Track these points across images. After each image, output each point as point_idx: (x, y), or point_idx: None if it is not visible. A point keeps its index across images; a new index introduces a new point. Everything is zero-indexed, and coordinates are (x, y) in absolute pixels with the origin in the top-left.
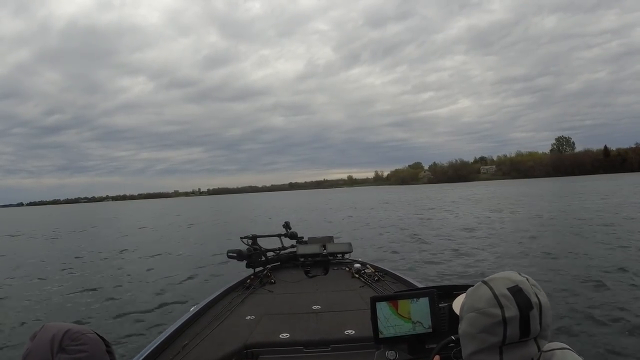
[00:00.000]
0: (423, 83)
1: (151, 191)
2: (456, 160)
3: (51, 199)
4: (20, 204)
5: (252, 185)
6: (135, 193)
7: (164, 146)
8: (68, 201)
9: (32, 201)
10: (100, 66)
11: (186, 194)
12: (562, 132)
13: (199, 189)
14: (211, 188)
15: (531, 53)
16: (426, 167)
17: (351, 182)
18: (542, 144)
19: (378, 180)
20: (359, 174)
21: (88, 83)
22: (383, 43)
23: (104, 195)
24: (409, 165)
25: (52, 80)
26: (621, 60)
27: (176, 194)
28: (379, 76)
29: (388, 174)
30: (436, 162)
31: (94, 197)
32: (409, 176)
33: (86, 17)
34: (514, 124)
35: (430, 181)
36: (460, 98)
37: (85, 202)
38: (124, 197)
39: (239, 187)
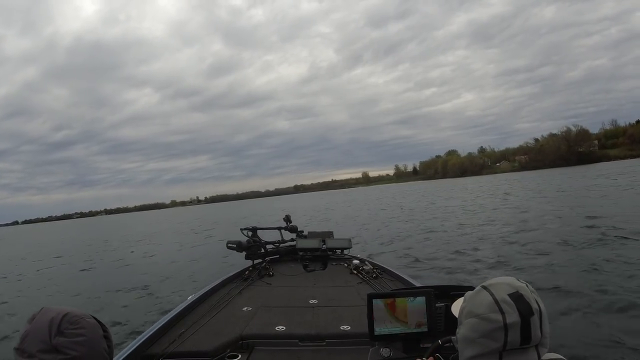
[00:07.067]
0: (425, 79)
1: (152, 201)
2: (567, 129)
3: (45, 216)
4: (16, 223)
5: (255, 190)
6: (131, 205)
7: (171, 156)
8: (63, 217)
9: (27, 219)
10: (107, 80)
11: (183, 204)
12: (566, 120)
13: (197, 197)
14: (209, 196)
15: (532, 44)
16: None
17: (367, 180)
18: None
19: (402, 177)
20: (372, 172)
21: (95, 97)
22: (384, 42)
23: (101, 209)
24: (437, 156)
25: (59, 97)
26: (621, 46)
27: (173, 204)
28: (382, 75)
29: (417, 168)
30: (483, 147)
31: (90, 211)
32: (471, 165)
33: (92, 33)
34: (517, 115)
35: (525, 167)
36: (463, 92)
37: (78, 217)
38: (118, 210)
39: (241, 192)
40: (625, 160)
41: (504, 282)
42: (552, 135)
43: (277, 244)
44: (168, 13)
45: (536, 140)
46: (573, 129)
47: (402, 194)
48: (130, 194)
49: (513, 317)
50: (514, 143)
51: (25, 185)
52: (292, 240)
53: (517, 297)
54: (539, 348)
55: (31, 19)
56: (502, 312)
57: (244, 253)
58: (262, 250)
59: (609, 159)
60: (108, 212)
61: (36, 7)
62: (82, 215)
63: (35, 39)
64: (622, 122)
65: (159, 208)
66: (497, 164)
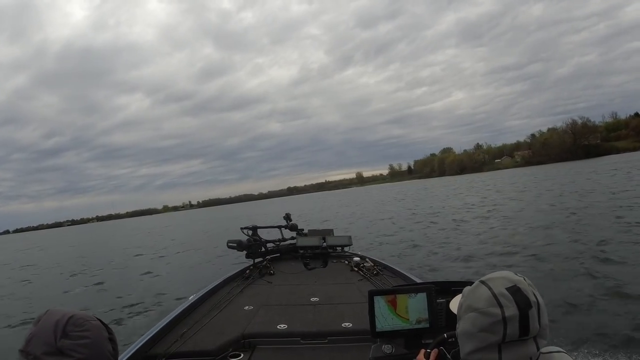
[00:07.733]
0: (416, 79)
1: (144, 207)
2: (571, 121)
3: (37, 224)
4: (7, 232)
5: (248, 193)
6: (123, 211)
7: (163, 161)
8: (54, 225)
9: (18, 228)
10: (98, 86)
11: (175, 209)
12: (556, 116)
13: (189, 202)
14: (201, 200)
15: (520, 41)
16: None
17: (361, 180)
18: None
19: (396, 176)
20: (365, 172)
21: (86, 104)
22: (375, 43)
23: (93, 216)
24: (431, 154)
25: (50, 104)
26: (609, 41)
27: (165, 209)
28: (373, 75)
29: (412, 167)
30: (480, 144)
31: (82, 218)
32: (470, 161)
33: (82, 39)
34: (508, 112)
35: (529, 162)
36: (453, 91)
37: (69, 225)
38: (109, 217)
39: (233, 196)
40: (636, 152)
41: (502, 277)
42: (551, 130)
43: (278, 243)
44: (158, 17)
45: (533, 135)
46: (579, 120)
47: (410, 194)
48: (123, 200)
49: (511, 310)
50: (506, 140)
51: (16, 194)
52: (293, 238)
53: (515, 291)
54: (537, 339)
55: (20, 25)
56: (500, 306)
57: (244, 252)
58: (263, 249)
59: (617, 151)
60: (100, 219)
61: (25, 14)
62: (74, 222)
63: (25, 46)
64: (617, 115)
65: (151, 214)
66: (497, 160)
